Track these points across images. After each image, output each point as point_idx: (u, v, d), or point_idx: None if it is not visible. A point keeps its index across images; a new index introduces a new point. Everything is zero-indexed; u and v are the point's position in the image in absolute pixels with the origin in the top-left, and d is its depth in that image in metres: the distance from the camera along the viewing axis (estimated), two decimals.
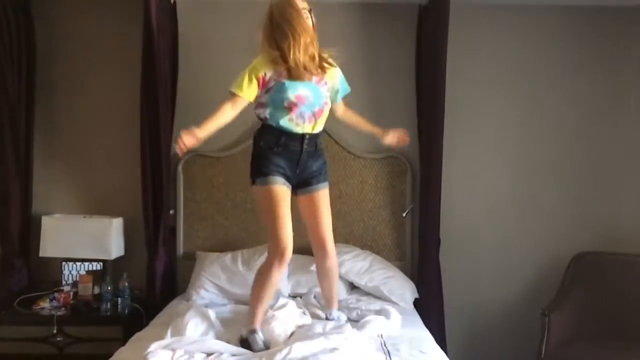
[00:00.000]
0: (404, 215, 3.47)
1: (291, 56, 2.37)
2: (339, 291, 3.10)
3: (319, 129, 2.55)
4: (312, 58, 2.43)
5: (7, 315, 3.11)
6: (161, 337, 2.32)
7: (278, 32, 2.39)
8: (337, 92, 2.63)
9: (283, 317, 2.45)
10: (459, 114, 3.44)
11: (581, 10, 3.47)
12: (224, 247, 3.39)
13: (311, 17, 2.45)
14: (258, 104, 2.51)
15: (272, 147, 2.48)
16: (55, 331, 3.04)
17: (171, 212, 3.41)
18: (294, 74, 2.41)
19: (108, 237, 3.28)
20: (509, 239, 3.55)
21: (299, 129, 2.47)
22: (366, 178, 3.48)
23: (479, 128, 3.55)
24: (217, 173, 3.46)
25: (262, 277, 2.44)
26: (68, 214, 3.47)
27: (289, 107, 2.43)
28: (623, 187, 3.52)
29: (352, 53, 3.50)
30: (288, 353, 2.09)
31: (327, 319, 2.67)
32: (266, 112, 2.48)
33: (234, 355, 2.18)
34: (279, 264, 2.39)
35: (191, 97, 3.43)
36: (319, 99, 2.49)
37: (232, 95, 2.46)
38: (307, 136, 2.48)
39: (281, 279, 2.56)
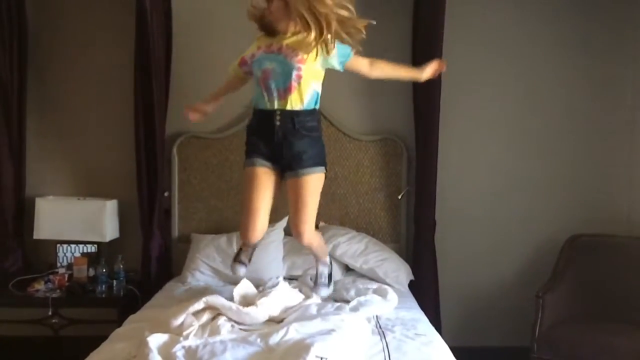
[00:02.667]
0: (399, 197, 3.47)
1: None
2: (335, 274, 3.11)
3: (296, 105, 2.36)
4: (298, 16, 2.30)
5: (2, 297, 3.11)
6: (156, 319, 2.32)
7: None
8: (334, 60, 2.43)
9: (269, 301, 2.40)
10: (455, 95, 3.43)
11: None
12: (219, 229, 3.39)
13: None
14: None
15: (251, 127, 2.48)
16: (50, 313, 3.04)
17: (166, 194, 3.40)
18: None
19: (102, 220, 3.27)
20: (504, 221, 3.56)
21: (269, 105, 2.38)
22: (362, 160, 3.47)
23: (474, 110, 3.53)
24: (212, 155, 3.44)
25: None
26: (62, 196, 3.45)
27: (260, 83, 2.39)
28: (618, 169, 3.52)
29: None
30: (285, 334, 2.09)
31: (313, 281, 2.71)
32: (253, 97, 2.50)
33: (232, 339, 2.14)
34: (244, 247, 2.52)
35: (185, 77, 3.40)
36: (288, 73, 2.32)
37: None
38: (278, 112, 2.35)
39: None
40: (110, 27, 3.42)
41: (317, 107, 2.47)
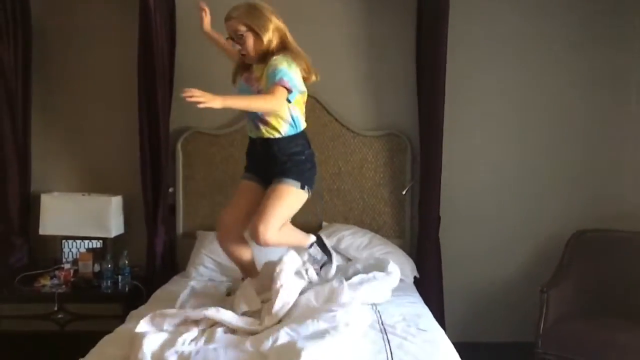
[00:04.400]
0: (403, 192, 3.46)
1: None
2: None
3: (273, 134, 2.41)
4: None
5: (9, 293, 3.13)
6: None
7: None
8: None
9: (287, 291, 2.35)
10: (459, 90, 3.41)
11: None
12: None
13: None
14: None
15: (247, 149, 2.64)
16: (56, 308, 3.06)
17: (170, 190, 3.41)
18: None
19: (108, 215, 3.28)
20: (508, 216, 3.55)
21: (252, 134, 2.52)
22: (366, 156, 3.46)
23: (479, 105, 3.52)
24: (217, 151, 3.45)
25: None
26: (67, 192, 3.46)
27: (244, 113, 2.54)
28: (623, 164, 3.50)
29: (352, 28, 3.48)
30: (276, 340, 2.04)
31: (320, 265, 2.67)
32: None
33: (225, 346, 2.09)
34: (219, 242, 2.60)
35: (189, 73, 3.40)
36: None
37: None
38: (257, 140, 2.48)
39: (229, 250, 2.60)
40: (115, 24, 3.43)
41: (299, 130, 2.46)
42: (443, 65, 3.22)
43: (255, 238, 2.36)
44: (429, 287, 3.30)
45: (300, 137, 2.46)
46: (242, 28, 2.30)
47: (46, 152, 3.50)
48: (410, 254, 3.38)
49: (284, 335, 2.06)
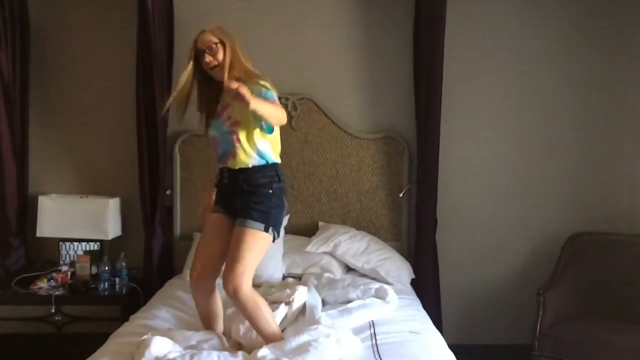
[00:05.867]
0: (400, 195, 3.47)
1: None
2: (334, 272, 3.10)
3: (242, 165, 2.28)
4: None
5: (6, 294, 3.12)
6: (157, 317, 2.33)
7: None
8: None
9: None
10: (456, 94, 3.43)
11: None
12: None
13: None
14: None
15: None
16: (53, 310, 3.06)
17: (168, 192, 3.41)
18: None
19: (105, 217, 3.28)
20: (505, 219, 3.56)
21: (220, 164, 2.38)
22: (363, 158, 3.47)
23: (475, 108, 3.52)
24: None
25: None
26: (64, 194, 3.46)
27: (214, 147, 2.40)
28: (619, 167, 3.51)
29: (349, 31, 3.49)
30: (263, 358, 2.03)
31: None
32: None
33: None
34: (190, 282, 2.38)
35: None
36: (225, 137, 2.30)
37: None
38: (225, 170, 2.33)
39: (197, 295, 2.37)
40: (113, 26, 3.43)
41: (271, 162, 2.33)
42: (440, 69, 3.24)
43: (225, 287, 2.22)
44: (426, 289, 3.31)
45: (270, 169, 2.32)
46: (214, 39, 2.31)
47: (44, 153, 3.50)
48: (407, 256, 3.38)
49: (263, 350, 2.06)
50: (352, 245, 3.20)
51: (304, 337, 2.12)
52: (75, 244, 3.38)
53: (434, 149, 3.31)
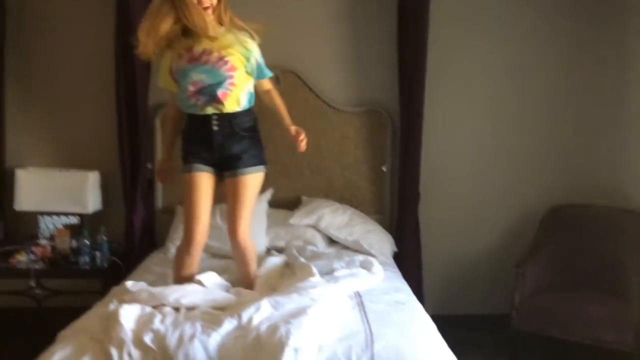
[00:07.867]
0: (383, 169, 3.47)
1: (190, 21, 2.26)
2: (317, 245, 3.12)
3: (232, 108, 2.35)
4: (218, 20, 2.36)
5: None
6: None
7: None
8: (258, 67, 2.43)
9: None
10: (440, 67, 3.41)
11: None
12: None
13: None
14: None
15: (187, 135, 2.46)
16: (33, 284, 3.02)
17: (149, 165, 3.37)
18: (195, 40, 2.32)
19: (84, 191, 3.24)
20: (486, 192, 3.59)
21: (204, 111, 2.36)
22: (346, 132, 3.46)
23: (458, 82, 3.53)
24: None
25: (176, 260, 2.44)
26: (43, 167, 3.40)
27: (190, 93, 2.34)
28: (599, 139, 3.55)
29: (334, 4, 3.46)
30: (257, 310, 2.04)
31: None
32: (178, 100, 2.43)
33: (202, 323, 2.04)
34: (187, 252, 2.37)
35: None
36: (219, 82, 2.32)
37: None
38: (214, 117, 2.35)
39: (194, 264, 2.40)
40: None
41: (252, 105, 2.44)
42: (424, 42, 3.22)
43: (234, 236, 2.37)
44: (408, 262, 3.34)
45: (252, 112, 2.45)
46: None
47: (21, 126, 3.43)
48: (389, 230, 3.41)
49: (265, 307, 2.06)
50: (335, 218, 3.21)
51: (303, 300, 2.13)
52: (55, 217, 3.33)
53: (417, 123, 3.31)
